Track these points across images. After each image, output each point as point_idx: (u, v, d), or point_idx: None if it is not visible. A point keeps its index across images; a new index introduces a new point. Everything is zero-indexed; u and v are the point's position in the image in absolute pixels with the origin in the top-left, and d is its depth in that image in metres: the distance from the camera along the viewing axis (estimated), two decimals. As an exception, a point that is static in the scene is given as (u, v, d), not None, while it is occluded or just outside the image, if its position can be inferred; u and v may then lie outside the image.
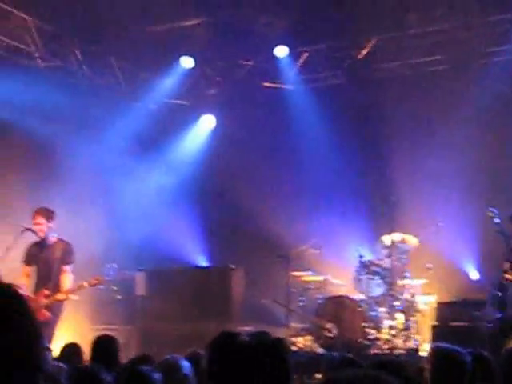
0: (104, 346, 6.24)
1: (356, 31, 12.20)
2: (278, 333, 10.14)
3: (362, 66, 12.73)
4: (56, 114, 11.82)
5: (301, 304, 11.56)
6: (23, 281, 9.86)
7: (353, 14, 11.43)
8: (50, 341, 9.33)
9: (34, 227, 9.77)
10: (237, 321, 11.92)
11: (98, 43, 12.60)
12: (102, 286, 10.29)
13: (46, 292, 9.67)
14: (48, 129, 11.96)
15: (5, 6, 11.34)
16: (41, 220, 9.77)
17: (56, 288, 9.71)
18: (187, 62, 13.22)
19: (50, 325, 9.63)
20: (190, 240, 13.49)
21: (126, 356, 6.58)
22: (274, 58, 12.92)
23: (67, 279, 9.78)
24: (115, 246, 12.36)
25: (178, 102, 13.97)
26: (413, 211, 11.71)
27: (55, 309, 9.71)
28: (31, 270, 9.97)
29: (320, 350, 10.59)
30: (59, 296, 9.64)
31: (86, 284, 9.64)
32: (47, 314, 9.52)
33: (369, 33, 12.36)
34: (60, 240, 9.95)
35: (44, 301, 9.60)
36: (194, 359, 5.00)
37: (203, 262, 13.48)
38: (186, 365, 4.95)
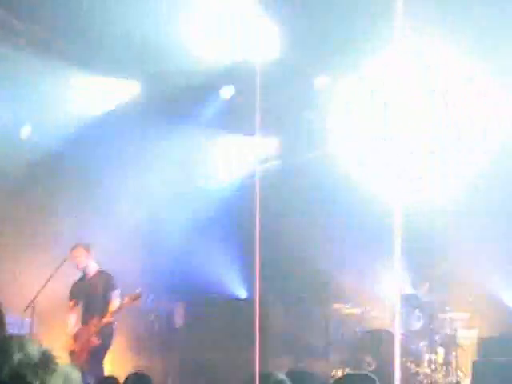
0: (137, 382, 6.24)
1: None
2: (317, 365, 10.10)
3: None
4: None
5: (339, 337, 11.48)
6: (69, 315, 10.11)
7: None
8: (99, 368, 9.52)
9: (74, 260, 10.06)
10: (276, 353, 11.84)
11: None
12: (140, 317, 10.42)
13: (94, 322, 9.91)
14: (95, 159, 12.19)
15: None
16: (80, 253, 10.08)
17: (100, 319, 9.93)
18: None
19: (99, 352, 9.84)
20: (229, 271, 13.47)
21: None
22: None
23: (111, 304, 9.99)
24: (154, 276, 12.41)
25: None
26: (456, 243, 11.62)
27: (104, 336, 9.91)
28: (76, 304, 10.20)
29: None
30: (105, 320, 9.84)
31: (127, 299, 9.83)
32: (96, 341, 9.76)
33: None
34: (100, 272, 10.20)
35: (93, 329, 9.85)
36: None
37: (242, 293, 13.44)
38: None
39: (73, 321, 10.19)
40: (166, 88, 12.19)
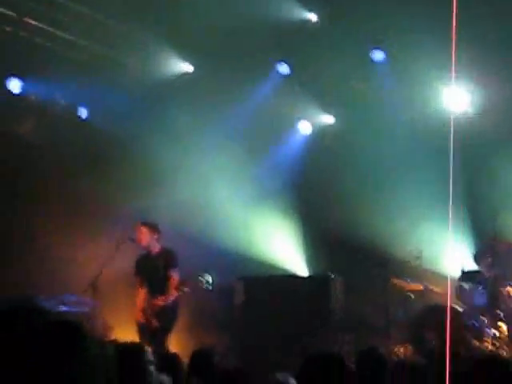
0: (201, 360, 6.28)
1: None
2: (378, 342, 10.04)
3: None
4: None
5: (401, 313, 11.41)
6: (137, 290, 10.23)
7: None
8: (164, 347, 9.64)
9: (139, 237, 10.22)
10: (337, 330, 11.82)
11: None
12: (201, 295, 10.52)
13: (155, 301, 10.04)
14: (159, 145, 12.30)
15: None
16: (144, 231, 10.23)
17: (165, 295, 10.07)
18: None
19: (161, 333, 9.98)
20: (289, 247, 13.48)
21: (223, 367, 6.61)
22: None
23: (173, 281, 10.12)
24: (213, 253, 12.47)
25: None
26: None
27: (165, 317, 10.04)
28: (141, 279, 10.34)
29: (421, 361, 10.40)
30: (165, 299, 9.97)
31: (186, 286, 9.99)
32: (155, 323, 9.91)
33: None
34: (164, 249, 10.36)
35: (155, 308, 9.99)
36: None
37: (302, 270, 13.43)
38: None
39: (140, 295, 10.33)
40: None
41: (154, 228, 10.40)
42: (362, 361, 5.75)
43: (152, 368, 5.32)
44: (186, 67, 13.08)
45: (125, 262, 10.45)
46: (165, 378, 5.28)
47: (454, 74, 9.94)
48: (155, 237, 10.39)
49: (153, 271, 10.27)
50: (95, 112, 12.40)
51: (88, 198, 12.14)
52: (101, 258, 10.19)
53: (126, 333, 10.28)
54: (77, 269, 10.79)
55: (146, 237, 10.33)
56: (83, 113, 12.75)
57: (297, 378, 4.59)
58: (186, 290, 10.07)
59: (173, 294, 10.10)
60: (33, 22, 11.29)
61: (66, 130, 12.33)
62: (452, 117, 10.58)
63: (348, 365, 4.47)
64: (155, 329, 10.07)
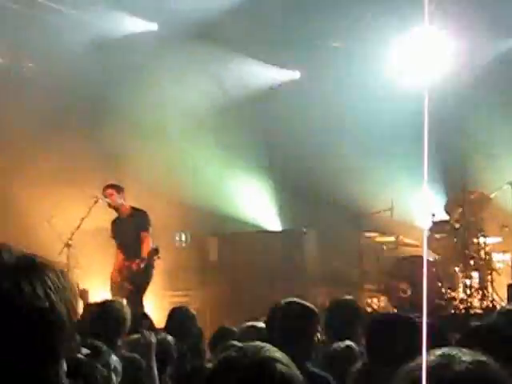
0: (178, 317, 6.32)
1: None
2: (352, 294, 10.15)
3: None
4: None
5: (374, 265, 11.52)
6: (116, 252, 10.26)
7: None
8: (137, 308, 9.64)
9: (107, 198, 10.15)
10: (310, 284, 11.93)
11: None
12: (175, 253, 10.51)
13: (127, 263, 10.04)
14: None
15: None
16: (111, 192, 10.17)
17: (138, 256, 10.05)
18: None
19: (136, 293, 9.97)
20: (262, 203, 13.51)
21: (200, 323, 6.66)
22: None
23: (145, 244, 10.10)
24: (186, 212, 12.48)
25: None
26: (486, 167, 11.55)
27: (140, 277, 10.05)
28: (117, 241, 10.34)
29: (395, 311, 10.54)
30: (139, 264, 9.95)
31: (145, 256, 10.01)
32: (128, 286, 9.90)
33: None
34: (134, 209, 10.31)
35: (128, 270, 9.98)
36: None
37: (275, 225, 13.50)
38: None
39: (116, 257, 10.34)
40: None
41: (120, 188, 10.33)
42: (334, 310, 5.79)
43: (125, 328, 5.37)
44: (151, 26, 12.99)
45: (98, 222, 10.43)
46: (139, 337, 5.31)
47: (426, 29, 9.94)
48: (122, 197, 10.31)
49: (125, 233, 10.23)
50: (65, 71, 12.20)
51: (59, 160, 12.05)
52: (74, 220, 10.16)
53: (101, 293, 10.29)
54: (51, 230, 10.73)
55: (113, 197, 10.26)
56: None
57: (266, 324, 4.64)
58: (157, 258, 10.04)
59: (145, 259, 10.07)
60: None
61: (33, 92, 12.16)
62: (425, 74, 10.61)
63: (317, 311, 4.51)
64: (129, 290, 10.06)
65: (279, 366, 2.00)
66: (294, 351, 4.04)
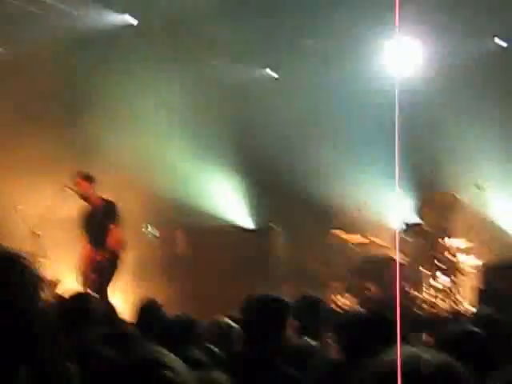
0: (147, 311, 6.30)
1: None
2: (319, 292, 10.18)
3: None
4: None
5: (341, 263, 11.56)
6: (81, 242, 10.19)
7: None
8: (103, 298, 9.62)
9: (76, 187, 10.09)
10: (277, 281, 11.94)
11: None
12: (143, 246, 10.48)
13: (94, 254, 10.01)
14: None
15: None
16: (81, 181, 10.11)
17: (105, 247, 10.02)
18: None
19: (102, 284, 9.94)
20: (231, 198, 13.51)
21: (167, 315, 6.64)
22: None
23: (113, 236, 10.06)
24: (156, 205, 12.46)
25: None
26: (454, 169, 11.65)
27: (106, 268, 10.02)
28: (85, 232, 10.28)
29: (360, 309, 10.58)
30: (105, 254, 9.92)
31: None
32: (94, 277, 9.87)
33: None
34: (103, 200, 10.26)
35: (95, 261, 9.95)
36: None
37: (244, 221, 13.50)
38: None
39: (83, 247, 10.28)
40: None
41: (90, 178, 10.29)
42: (299, 306, 5.81)
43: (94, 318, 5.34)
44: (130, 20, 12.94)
45: (66, 211, 10.37)
46: (105, 329, 5.29)
47: (397, 29, 9.98)
48: (92, 187, 10.26)
49: (93, 223, 10.19)
50: (38, 60, 12.10)
51: (30, 147, 11.97)
52: (42, 208, 10.09)
53: (68, 283, 10.25)
54: (18, 217, 10.65)
55: (83, 187, 10.21)
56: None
57: (238, 322, 4.66)
58: (119, 251, 10.07)
59: (112, 250, 10.06)
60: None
61: (4, 82, 12.05)
62: (397, 73, 10.66)
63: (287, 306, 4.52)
64: (95, 281, 10.03)
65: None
66: (267, 345, 4.08)
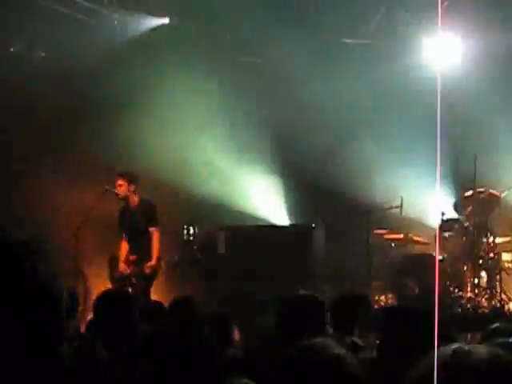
0: (181, 307, 6.30)
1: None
2: (359, 290, 10.13)
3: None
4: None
5: (383, 262, 11.50)
6: (122, 243, 10.25)
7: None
8: (145, 298, 9.61)
9: (116, 189, 10.04)
10: (318, 279, 11.89)
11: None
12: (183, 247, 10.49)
13: (134, 257, 10.02)
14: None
15: None
16: (122, 182, 10.02)
17: (145, 251, 9.99)
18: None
19: (143, 285, 9.94)
20: (271, 197, 13.49)
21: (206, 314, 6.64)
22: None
23: (155, 242, 10.02)
24: (195, 205, 12.48)
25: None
26: (497, 167, 11.53)
27: (147, 275, 10.04)
28: (123, 232, 10.29)
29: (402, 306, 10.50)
30: (150, 265, 9.95)
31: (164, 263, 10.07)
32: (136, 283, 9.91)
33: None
34: (142, 200, 10.18)
35: (133, 268, 9.97)
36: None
37: (284, 220, 13.47)
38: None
39: (123, 247, 10.27)
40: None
41: (131, 178, 10.11)
42: (339, 303, 5.77)
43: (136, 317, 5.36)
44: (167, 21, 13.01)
45: (108, 212, 10.39)
46: (147, 327, 5.30)
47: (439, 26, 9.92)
48: (132, 188, 10.16)
49: (133, 225, 10.12)
50: (77, 66, 12.19)
51: (73, 148, 12.08)
52: (84, 208, 10.15)
53: (107, 284, 10.29)
54: (60, 218, 10.74)
55: (123, 188, 10.11)
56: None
57: (276, 318, 4.63)
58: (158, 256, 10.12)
59: (159, 263, 10.08)
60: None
61: (45, 82, 12.15)
62: (438, 70, 10.58)
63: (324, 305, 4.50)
64: (136, 282, 10.02)
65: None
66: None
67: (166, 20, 12.94)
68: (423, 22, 11.61)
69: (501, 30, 11.83)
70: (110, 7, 12.15)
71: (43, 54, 12.36)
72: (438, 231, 11.00)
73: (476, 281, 10.64)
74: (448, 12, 9.69)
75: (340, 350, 2.12)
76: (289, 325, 4.29)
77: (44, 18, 11.44)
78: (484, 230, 10.93)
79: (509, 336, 3.67)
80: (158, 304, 6.89)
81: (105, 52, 12.18)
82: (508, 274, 10.77)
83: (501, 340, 3.48)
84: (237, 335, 5.41)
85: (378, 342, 4.15)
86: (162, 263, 10.28)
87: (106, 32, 12.33)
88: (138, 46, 12.63)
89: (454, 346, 1.89)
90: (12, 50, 12.09)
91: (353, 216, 12.12)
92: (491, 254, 10.81)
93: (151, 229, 10.06)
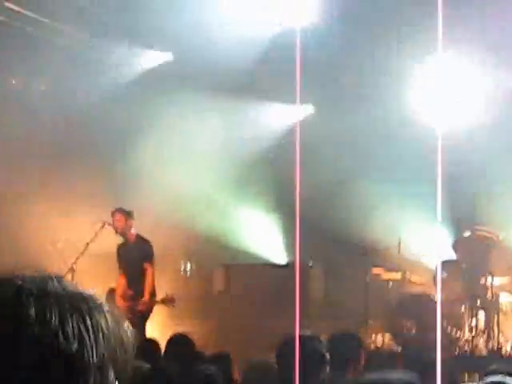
0: (177, 344, 6.26)
1: None
2: (356, 330, 10.08)
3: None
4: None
5: (379, 301, 11.45)
6: (118, 277, 10.31)
7: None
8: (140, 334, 9.55)
9: (114, 224, 10.12)
10: (315, 318, 11.83)
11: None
12: (180, 282, 10.45)
13: (130, 292, 10.02)
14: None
15: None
16: (120, 217, 10.13)
17: (141, 287, 10.00)
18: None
19: (138, 320, 9.90)
20: (268, 236, 13.47)
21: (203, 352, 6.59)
22: None
23: (149, 278, 10.05)
24: (193, 241, 12.45)
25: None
26: (495, 206, 11.52)
27: (144, 310, 10.01)
28: (120, 267, 10.32)
29: (398, 349, 10.45)
30: (143, 301, 9.91)
31: (159, 300, 10.00)
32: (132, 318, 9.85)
33: None
34: (139, 237, 10.27)
35: (130, 303, 9.94)
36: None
37: (281, 258, 13.43)
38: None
39: (119, 282, 10.29)
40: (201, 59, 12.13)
41: (128, 214, 10.26)
42: (337, 344, 5.73)
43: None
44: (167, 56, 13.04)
45: (104, 247, 10.39)
46: (142, 363, 5.24)
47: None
48: (129, 223, 10.26)
49: (130, 260, 10.22)
50: (78, 99, 12.24)
51: (69, 183, 12.07)
52: (80, 243, 10.14)
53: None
54: (57, 253, 10.71)
55: (120, 223, 10.23)
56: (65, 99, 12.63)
57: (276, 359, 4.60)
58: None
59: (146, 291, 10.05)
60: (16, 8, 11.16)
61: (45, 117, 12.19)
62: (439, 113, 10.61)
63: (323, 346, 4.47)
64: (132, 318, 9.97)
65: None
66: None
67: (169, 55, 12.98)
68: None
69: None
70: (113, 41, 12.20)
71: (43, 88, 12.41)
72: (438, 271, 10.96)
73: (474, 322, 10.58)
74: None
75: None
76: (291, 365, 4.25)
77: (43, 52, 11.52)
78: (482, 270, 10.90)
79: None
80: (153, 341, 6.85)
81: (105, 88, 12.23)
82: (506, 315, 10.72)
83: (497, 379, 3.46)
84: (236, 373, 5.37)
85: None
86: (158, 299, 10.22)
87: (108, 67, 12.39)
88: (140, 82, 12.68)
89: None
90: (14, 82, 12.15)
91: (350, 255, 12.08)
92: (489, 295, 10.76)
93: (146, 264, 10.10)
